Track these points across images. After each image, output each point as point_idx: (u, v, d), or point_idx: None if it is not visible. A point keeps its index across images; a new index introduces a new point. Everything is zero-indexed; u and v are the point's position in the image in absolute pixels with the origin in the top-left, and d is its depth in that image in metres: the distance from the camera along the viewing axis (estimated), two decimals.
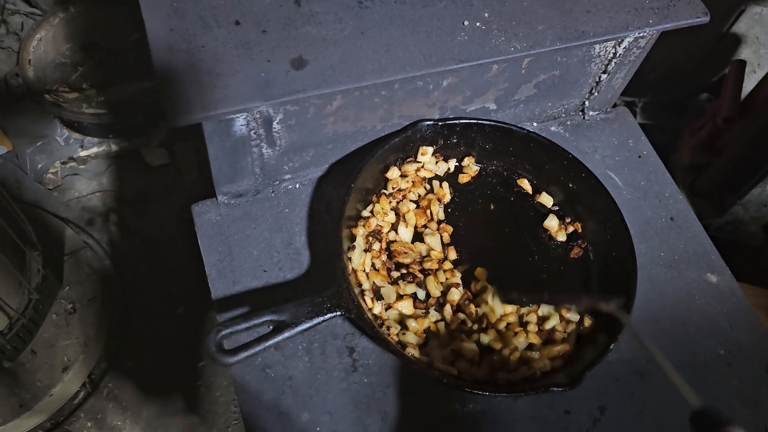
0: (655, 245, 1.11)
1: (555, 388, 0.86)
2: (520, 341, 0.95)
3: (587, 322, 0.97)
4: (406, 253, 1.00)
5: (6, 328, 1.55)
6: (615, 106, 1.27)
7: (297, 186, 1.07)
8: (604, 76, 1.14)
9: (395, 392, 0.93)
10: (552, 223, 1.07)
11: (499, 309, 0.97)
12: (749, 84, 2.00)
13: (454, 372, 0.91)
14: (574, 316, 0.97)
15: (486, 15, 0.97)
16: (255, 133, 0.93)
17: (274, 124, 0.93)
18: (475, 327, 0.96)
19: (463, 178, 1.10)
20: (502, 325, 0.97)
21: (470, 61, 0.92)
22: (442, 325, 0.95)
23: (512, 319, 0.97)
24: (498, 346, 0.94)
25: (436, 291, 0.97)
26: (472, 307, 0.97)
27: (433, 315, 0.95)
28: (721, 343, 1.04)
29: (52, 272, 1.71)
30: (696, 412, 0.69)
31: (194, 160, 2.18)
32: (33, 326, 1.64)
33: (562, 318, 0.97)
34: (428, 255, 1.01)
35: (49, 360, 1.69)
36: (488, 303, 0.98)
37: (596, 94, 1.19)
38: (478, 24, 0.96)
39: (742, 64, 2.02)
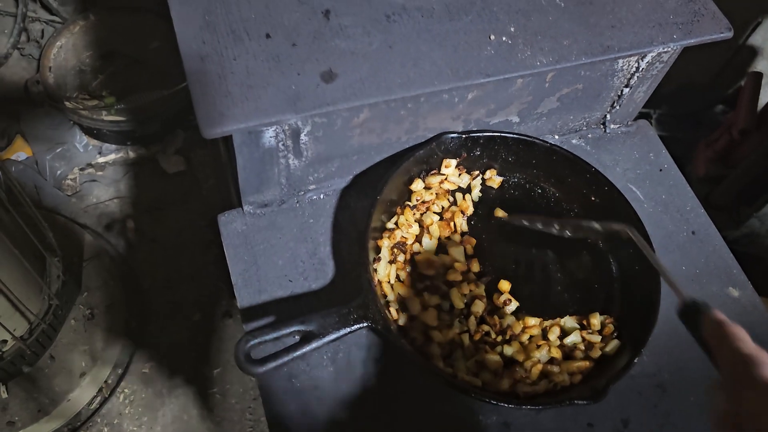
0: (677, 259, 1.12)
1: (579, 401, 0.87)
2: (543, 354, 0.96)
3: (612, 344, 0.97)
4: (430, 264, 1.00)
5: (26, 333, 1.56)
6: (636, 119, 1.28)
7: (321, 197, 1.08)
8: (626, 90, 1.15)
9: (420, 404, 0.94)
10: None
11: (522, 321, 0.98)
12: (766, 96, 2.00)
13: (479, 383, 0.91)
14: (595, 338, 0.97)
15: (512, 29, 0.98)
16: (283, 144, 0.94)
17: (302, 136, 0.94)
18: (499, 339, 0.96)
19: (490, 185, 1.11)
20: (525, 338, 0.97)
21: (497, 75, 0.93)
22: (466, 336, 0.96)
23: (535, 331, 0.98)
24: (521, 358, 0.95)
25: (459, 303, 0.98)
26: (496, 318, 0.97)
27: (457, 326, 0.96)
28: None
29: (71, 278, 1.73)
30: (685, 304, 0.73)
31: (211, 167, 2.20)
32: (52, 331, 1.66)
33: (583, 338, 0.98)
34: (452, 267, 1.01)
35: (67, 365, 1.70)
36: (511, 315, 0.99)
37: (618, 107, 1.19)
38: (504, 38, 0.97)
39: (759, 76, 2.02)
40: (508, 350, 0.95)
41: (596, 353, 0.96)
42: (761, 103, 1.99)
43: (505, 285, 1.01)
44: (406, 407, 0.93)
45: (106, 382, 1.77)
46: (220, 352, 1.93)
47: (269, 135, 0.90)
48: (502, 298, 1.00)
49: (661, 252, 1.09)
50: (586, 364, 0.95)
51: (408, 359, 0.93)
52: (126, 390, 1.82)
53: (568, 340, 0.98)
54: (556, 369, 0.95)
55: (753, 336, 1.05)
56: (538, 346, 0.96)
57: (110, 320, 1.80)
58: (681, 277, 1.10)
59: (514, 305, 0.99)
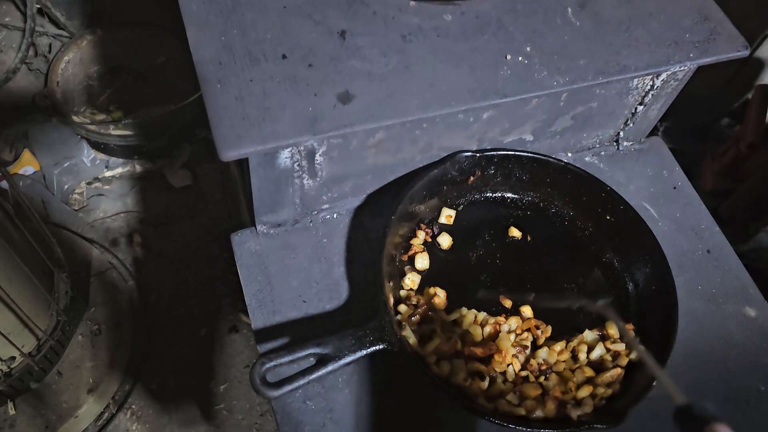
0: (692, 278, 1.11)
1: (598, 426, 0.86)
2: (579, 377, 0.94)
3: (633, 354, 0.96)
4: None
5: (34, 349, 1.56)
6: (648, 135, 1.27)
7: (335, 216, 1.07)
8: (640, 108, 1.15)
9: (435, 426, 0.93)
10: None
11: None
12: None
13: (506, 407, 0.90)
14: (619, 346, 0.96)
15: (528, 49, 0.98)
16: (298, 165, 0.93)
17: (317, 156, 0.94)
18: (541, 379, 0.95)
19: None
20: (561, 367, 0.96)
21: (514, 96, 0.93)
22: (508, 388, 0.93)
23: (566, 356, 0.96)
24: (562, 388, 0.94)
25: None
26: (534, 362, 0.95)
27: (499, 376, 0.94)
28: (762, 380, 1.03)
29: (78, 293, 1.72)
30: (680, 408, 0.67)
31: (217, 182, 2.20)
32: (60, 347, 1.65)
33: (608, 349, 0.97)
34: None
35: (75, 381, 1.69)
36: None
37: (631, 125, 1.19)
38: (520, 58, 0.96)
39: (767, 89, 2.02)
40: (548, 384, 0.94)
41: (624, 361, 0.95)
42: None
43: (527, 311, 1.00)
44: (423, 430, 0.92)
45: (113, 398, 1.76)
46: (227, 368, 1.92)
47: (285, 156, 0.90)
48: (537, 329, 0.98)
49: (677, 271, 1.08)
50: (618, 371, 0.94)
51: (426, 383, 0.92)
52: (133, 406, 1.81)
53: (594, 354, 0.96)
54: (592, 386, 0.93)
55: None
56: (573, 371, 0.95)
57: (117, 336, 1.79)
58: (697, 297, 1.09)
59: (548, 328, 0.98)
